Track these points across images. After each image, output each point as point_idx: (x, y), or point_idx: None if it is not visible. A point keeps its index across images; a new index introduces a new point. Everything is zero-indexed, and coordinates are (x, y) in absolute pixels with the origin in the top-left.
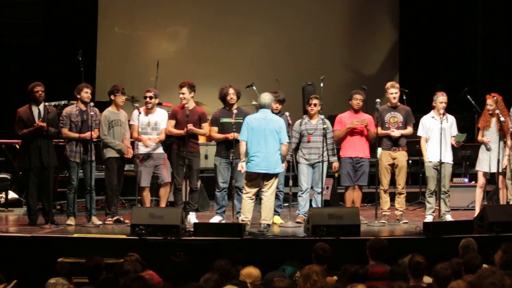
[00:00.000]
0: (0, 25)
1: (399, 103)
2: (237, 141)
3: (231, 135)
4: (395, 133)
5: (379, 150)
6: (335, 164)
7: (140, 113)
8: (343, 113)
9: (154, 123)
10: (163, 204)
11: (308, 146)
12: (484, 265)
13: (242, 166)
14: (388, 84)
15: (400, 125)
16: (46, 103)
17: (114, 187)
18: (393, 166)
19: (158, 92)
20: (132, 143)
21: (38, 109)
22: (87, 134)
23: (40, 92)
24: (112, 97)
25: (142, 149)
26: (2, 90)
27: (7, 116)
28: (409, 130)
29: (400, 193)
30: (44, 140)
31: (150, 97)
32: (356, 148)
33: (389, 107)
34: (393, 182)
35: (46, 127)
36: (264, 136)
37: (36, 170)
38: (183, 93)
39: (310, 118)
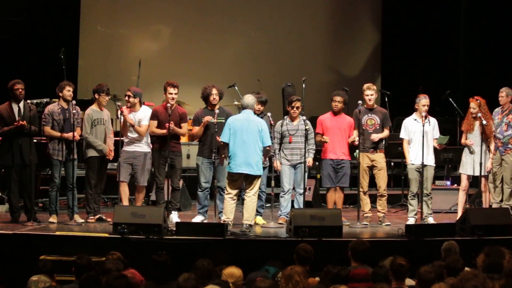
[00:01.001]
0: None
1: (376, 105)
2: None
3: (207, 118)
4: (373, 136)
5: (357, 152)
6: (309, 160)
7: (122, 111)
8: (323, 115)
9: (138, 121)
10: (138, 204)
11: (290, 147)
12: (467, 268)
13: (225, 160)
14: (365, 86)
15: (377, 127)
16: (28, 101)
17: (93, 185)
18: (371, 168)
19: (141, 90)
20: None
21: (18, 106)
22: (69, 135)
23: (20, 90)
24: (96, 95)
25: (126, 148)
26: None
27: None
28: (385, 133)
29: (382, 195)
30: (25, 138)
31: (129, 96)
32: (337, 150)
33: (366, 109)
34: (373, 184)
35: (26, 125)
36: (246, 137)
37: (18, 167)
38: (176, 93)
39: (291, 120)
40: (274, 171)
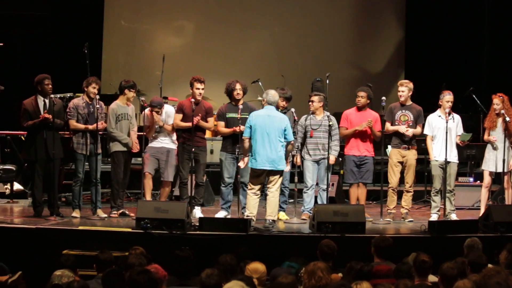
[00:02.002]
0: (7, 16)
1: (411, 102)
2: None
3: (238, 128)
4: (409, 132)
5: (389, 147)
6: (332, 158)
7: (149, 115)
8: (348, 109)
9: (164, 121)
10: (162, 199)
11: (312, 142)
12: (489, 265)
13: (244, 162)
14: (398, 82)
15: (411, 123)
16: (52, 95)
17: (120, 180)
18: (402, 164)
19: (161, 99)
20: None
21: (44, 101)
22: (94, 126)
23: (50, 85)
24: (126, 91)
25: (152, 144)
26: (8, 81)
27: (12, 107)
28: (418, 130)
29: (408, 191)
30: (49, 132)
31: (157, 112)
32: (360, 146)
33: (400, 105)
34: (400, 180)
35: (51, 118)
36: (268, 133)
37: (42, 161)
38: (202, 88)
39: (315, 114)
40: (297, 166)
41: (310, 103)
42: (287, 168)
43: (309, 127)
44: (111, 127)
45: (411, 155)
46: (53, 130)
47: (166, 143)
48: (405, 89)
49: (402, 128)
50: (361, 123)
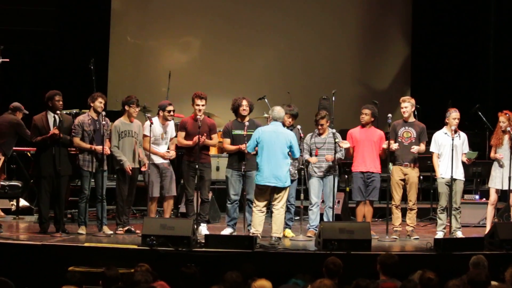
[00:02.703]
0: (14, 32)
1: (414, 119)
2: (249, 153)
3: (244, 146)
4: (414, 149)
5: (390, 165)
6: (328, 157)
7: (152, 123)
8: (352, 128)
9: (165, 134)
10: (167, 216)
11: (318, 159)
12: (495, 283)
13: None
14: (401, 99)
15: (413, 140)
16: (58, 112)
17: (124, 197)
18: (404, 181)
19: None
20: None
21: (54, 117)
22: (99, 148)
23: (61, 102)
24: (126, 107)
25: (152, 160)
26: (14, 97)
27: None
28: (422, 147)
29: (411, 209)
30: (58, 148)
31: (174, 110)
32: (367, 163)
33: (403, 122)
34: (404, 198)
35: (59, 134)
36: (274, 149)
37: (50, 178)
38: (203, 105)
39: (319, 133)
40: (303, 183)
41: (320, 126)
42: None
43: (313, 145)
44: (114, 144)
45: (413, 173)
46: (62, 146)
47: (164, 158)
48: (408, 104)
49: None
50: (366, 140)
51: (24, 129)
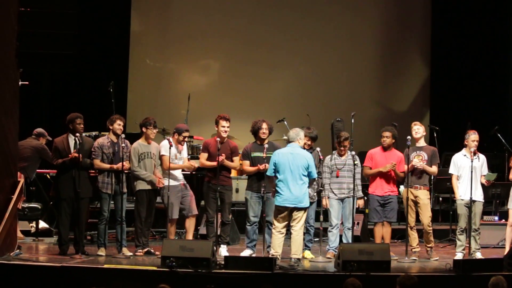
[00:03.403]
0: (33, 55)
1: (425, 144)
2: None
3: (262, 166)
4: (419, 165)
5: (402, 187)
6: (360, 202)
7: (171, 145)
8: (373, 149)
9: (179, 153)
10: (189, 236)
11: (337, 181)
12: None
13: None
14: (412, 124)
15: (425, 163)
16: (77, 134)
17: (143, 219)
18: (416, 203)
19: (185, 125)
20: None
21: (75, 139)
22: (119, 165)
23: (82, 125)
24: (144, 129)
25: (171, 182)
26: (34, 120)
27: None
28: (434, 169)
29: (427, 232)
30: (78, 171)
31: (190, 136)
32: (384, 186)
33: (415, 147)
34: (418, 219)
35: (79, 157)
36: (292, 170)
37: (69, 200)
38: (228, 126)
39: (339, 155)
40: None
41: (343, 148)
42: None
43: (334, 166)
44: (134, 165)
45: (423, 195)
46: (83, 169)
47: (181, 178)
48: (421, 127)
49: (415, 161)
50: (385, 163)
51: (48, 153)
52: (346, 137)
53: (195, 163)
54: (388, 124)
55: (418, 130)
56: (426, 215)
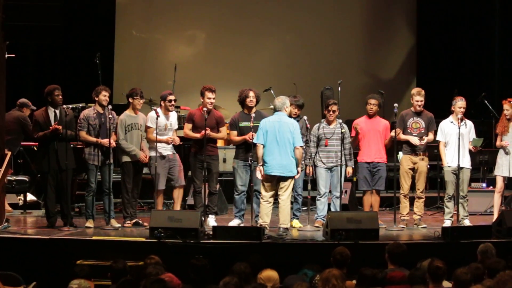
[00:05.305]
0: (19, 27)
1: (422, 109)
2: (255, 144)
3: (249, 135)
4: (423, 142)
5: (400, 154)
6: (349, 170)
7: (158, 116)
8: (358, 118)
9: (169, 124)
10: (177, 206)
11: (326, 150)
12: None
13: (260, 170)
14: (414, 91)
15: (422, 131)
16: (64, 106)
17: (129, 190)
18: (413, 170)
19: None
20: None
21: (54, 112)
22: (105, 141)
23: (60, 96)
24: (130, 100)
25: (160, 151)
26: (20, 92)
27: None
28: (431, 137)
29: (419, 198)
30: (61, 143)
31: (175, 100)
32: (372, 153)
33: (412, 112)
34: (411, 187)
35: (61, 129)
36: (278, 139)
37: (54, 172)
38: (214, 98)
39: (328, 123)
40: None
41: (332, 112)
42: (297, 175)
43: (322, 135)
44: (120, 137)
45: (422, 162)
46: (65, 141)
47: (169, 149)
48: (422, 98)
49: (415, 140)
50: (371, 130)
51: (28, 126)
52: (334, 102)
53: (173, 138)
54: (374, 92)
55: (422, 102)
56: (422, 182)
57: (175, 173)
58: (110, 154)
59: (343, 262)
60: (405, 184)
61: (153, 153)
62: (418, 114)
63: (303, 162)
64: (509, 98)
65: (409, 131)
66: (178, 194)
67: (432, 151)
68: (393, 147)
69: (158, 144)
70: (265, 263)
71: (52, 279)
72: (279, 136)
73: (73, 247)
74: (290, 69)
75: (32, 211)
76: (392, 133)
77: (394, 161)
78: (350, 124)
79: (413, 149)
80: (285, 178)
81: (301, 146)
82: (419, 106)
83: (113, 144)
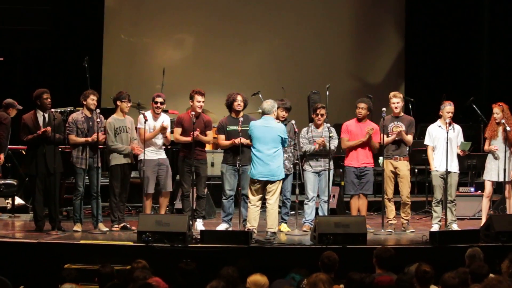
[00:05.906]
0: (8, 31)
1: (402, 113)
2: (244, 146)
3: (237, 140)
4: (400, 129)
5: (381, 159)
6: (318, 140)
7: (146, 119)
8: (348, 121)
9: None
10: (162, 212)
11: (314, 153)
12: (491, 275)
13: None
14: (391, 94)
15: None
16: (52, 110)
17: (117, 194)
18: (396, 175)
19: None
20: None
21: (43, 115)
22: (93, 137)
23: (49, 100)
24: (118, 103)
25: (147, 156)
26: (8, 95)
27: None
28: (409, 137)
29: (405, 203)
30: (49, 146)
31: (161, 103)
32: (360, 157)
33: (392, 117)
34: (398, 191)
35: (50, 133)
36: (265, 143)
37: (42, 176)
38: (203, 101)
39: (316, 127)
40: (298, 178)
41: (320, 116)
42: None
43: (311, 139)
44: (111, 140)
45: (403, 166)
46: (53, 144)
47: (160, 153)
48: (399, 100)
49: (397, 131)
50: (361, 134)
51: (6, 128)
52: (323, 106)
53: (165, 125)
54: (363, 96)
55: (398, 104)
56: (406, 187)
57: (162, 178)
58: (98, 157)
59: (331, 266)
60: (389, 188)
61: (142, 157)
62: (398, 118)
63: (291, 166)
64: (499, 102)
65: (390, 135)
66: (163, 200)
67: (420, 155)
68: (380, 152)
69: (149, 148)
70: (253, 267)
71: (40, 283)
72: (267, 141)
73: (61, 251)
74: (279, 73)
75: (20, 215)
76: (377, 141)
77: (380, 165)
78: (338, 128)
79: (393, 154)
80: (273, 183)
81: (295, 151)
82: (396, 108)
83: (102, 138)
